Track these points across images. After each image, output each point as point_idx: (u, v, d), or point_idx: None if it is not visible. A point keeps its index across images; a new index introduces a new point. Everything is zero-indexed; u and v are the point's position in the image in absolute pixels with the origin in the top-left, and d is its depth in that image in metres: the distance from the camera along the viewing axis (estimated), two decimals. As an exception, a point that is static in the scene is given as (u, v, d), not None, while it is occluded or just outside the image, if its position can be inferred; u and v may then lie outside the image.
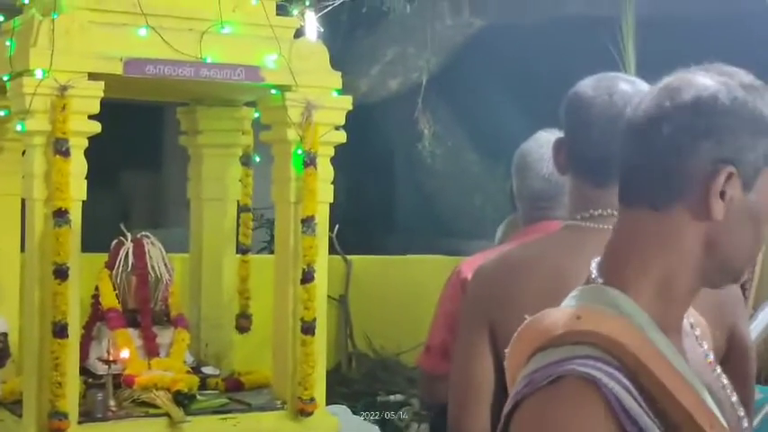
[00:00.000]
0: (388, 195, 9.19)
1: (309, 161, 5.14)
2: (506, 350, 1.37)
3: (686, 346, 1.34)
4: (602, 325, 1.25)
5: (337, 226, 7.58)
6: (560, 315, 1.30)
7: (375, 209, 8.90)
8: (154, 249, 5.44)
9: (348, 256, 7.88)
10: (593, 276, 1.34)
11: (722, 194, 1.26)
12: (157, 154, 9.76)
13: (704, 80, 1.30)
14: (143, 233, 5.53)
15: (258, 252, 7.49)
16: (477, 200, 8.85)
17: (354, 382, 7.27)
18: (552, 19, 7.64)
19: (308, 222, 5.15)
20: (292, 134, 5.19)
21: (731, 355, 1.91)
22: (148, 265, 5.34)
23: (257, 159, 6.09)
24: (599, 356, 1.21)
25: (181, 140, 6.09)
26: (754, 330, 2.62)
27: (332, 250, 7.64)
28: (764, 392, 3.14)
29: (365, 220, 8.57)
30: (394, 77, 8.60)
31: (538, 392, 1.21)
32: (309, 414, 5.16)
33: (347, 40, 8.06)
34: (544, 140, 2.44)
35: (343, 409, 6.39)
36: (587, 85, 2.05)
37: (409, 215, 9.27)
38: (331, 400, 6.49)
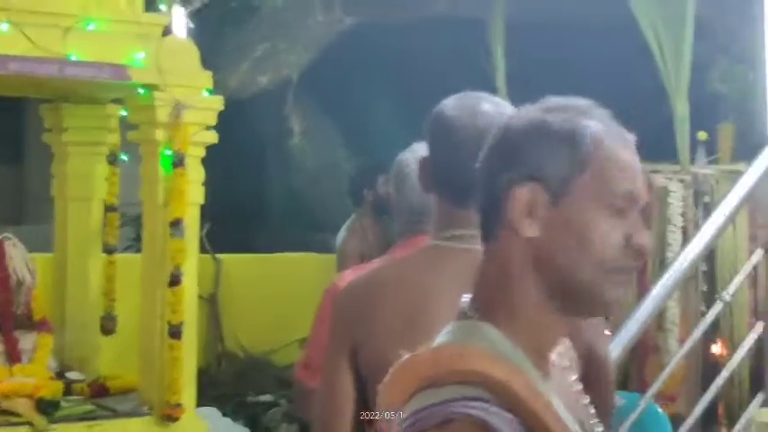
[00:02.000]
0: (260, 192, 9.10)
1: (178, 162, 5.04)
2: (379, 385, 1.33)
3: (556, 380, 1.33)
4: (485, 365, 1.23)
5: (207, 225, 7.48)
6: (442, 352, 1.27)
7: (247, 206, 8.80)
8: (15, 251, 5.27)
9: (218, 255, 7.78)
10: (465, 310, 1.32)
11: (531, 212, 1.27)
12: (18, 148, 9.44)
13: (510, 110, 1.36)
14: (4, 234, 5.35)
15: (124, 250, 7.34)
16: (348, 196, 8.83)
17: (224, 383, 7.18)
18: (424, 18, 7.67)
19: (176, 225, 5.05)
20: (160, 134, 5.08)
21: (589, 373, 1.92)
22: (9, 267, 5.16)
23: (125, 158, 5.95)
24: (488, 398, 1.19)
25: (45, 138, 5.90)
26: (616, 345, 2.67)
27: (202, 249, 7.55)
28: (628, 398, 3.22)
29: (237, 218, 8.47)
30: (264, 73, 8.50)
31: None
32: (176, 419, 5.07)
33: (216, 36, 7.94)
34: (421, 152, 2.42)
35: (212, 412, 6.31)
36: (450, 105, 2.05)
37: (281, 212, 9.20)
38: (200, 402, 6.40)
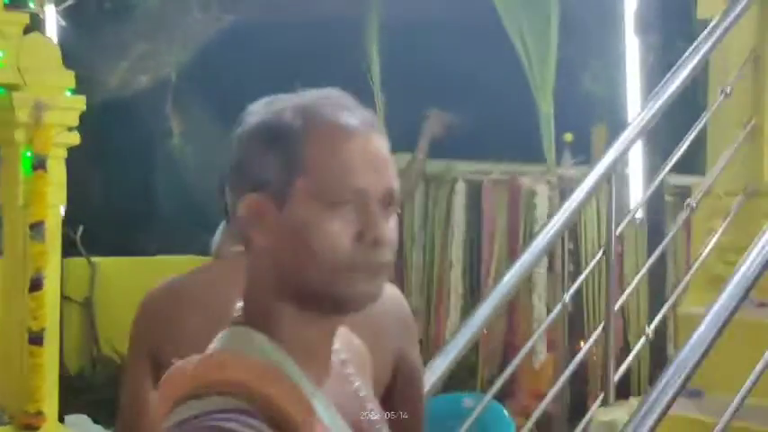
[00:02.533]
0: (142, 193, 8.94)
1: (39, 164, 4.92)
2: (152, 396, 1.29)
3: (335, 387, 1.30)
4: (247, 375, 1.18)
5: (81, 227, 7.33)
6: (206, 362, 1.23)
7: (128, 208, 8.64)
8: None
9: (93, 258, 7.62)
10: (237, 316, 1.28)
11: (260, 222, 1.24)
12: None
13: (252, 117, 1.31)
14: None
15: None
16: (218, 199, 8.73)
17: (99, 387, 7.03)
18: (304, 17, 7.63)
19: (36, 228, 4.93)
20: (20, 135, 4.95)
21: (399, 380, 1.91)
22: None
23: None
24: (248, 410, 1.15)
25: None
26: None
27: (76, 252, 7.40)
28: (477, 400, 3.22)
29: (117, 220, 8.30)
30: (144, 72, 8.36)
31: None
32: (37, 428, 4.94)
33: (95, 35, 7.77)
34: None
35: (82, 419, 6.17)
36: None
37: (165, 213, 9.05)
38: (75, 407, 6.26)
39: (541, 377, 5.26)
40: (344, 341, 1.36)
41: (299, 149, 1.23)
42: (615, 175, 3.37)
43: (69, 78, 5.09)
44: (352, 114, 1.27)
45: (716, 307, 2.57)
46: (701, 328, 2.51)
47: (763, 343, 2.80)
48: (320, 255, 1.21)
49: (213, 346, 1.29)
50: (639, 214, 5.25)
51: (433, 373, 2.66)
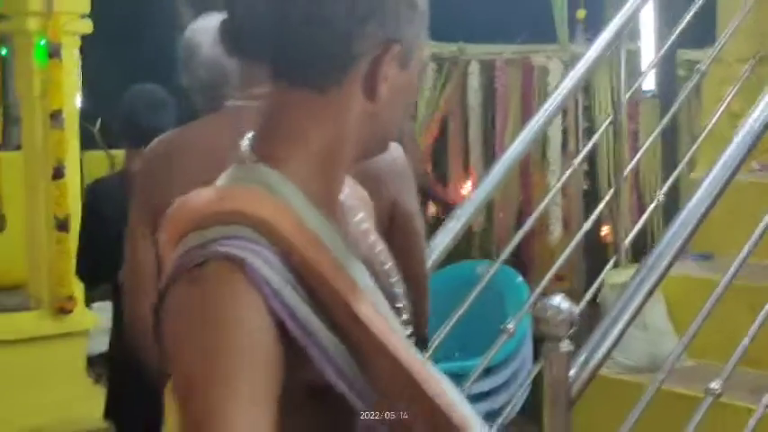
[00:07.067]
0: (162, 83, 8.92)
1: (53, 52, 4.95)
2: (157, 234, 1.32)
3: (341, 218, 1.33)
4: (250, 204, 1.20)
5: (99, 120, 7.37)
6: (208, 195, 1.26)
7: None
8: None
9: (112, 151, 7.68)
10: (244, 154, 1.30)
11: (389, 71, 1.26)
12: None
13: None
14: None
15: (17, 149, 7.21)
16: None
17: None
18: None
19: (55, 117, 4.99)
20: (33, 24, 4.98)
21: (394, 227, 1.96)
22: None
23: (4, 53, 5.83)
24: (246, 236, 1.16)
25: None
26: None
27: (95, 145, 7.46)
28: (489, 267, 3.27)
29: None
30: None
31: (183, 277, 1.15)
32: (69, 312, 5.07)
33: None
34: (202, 27, 2.28)
35: (108, 306, 6.28)
36: None
37: (183, 102, 9.03)
38: (97, 296, 6.39)
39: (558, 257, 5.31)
40: (350, 188, 1.40)
41: (422, 8, 1.30)
42: (623, 40, 3.38)
43: (80, -35, 5.09)
44: None
45: (715, 169, 2.58)
46: (700, 190, 2.52)
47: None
48: (405, 113, 1.30)
49: (219, 182, 1.31)
50: (651, 86, 5.26)
51: (446, 236, 2.72)
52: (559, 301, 1.98)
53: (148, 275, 1.93)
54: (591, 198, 5.19)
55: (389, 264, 1.40)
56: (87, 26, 5.09)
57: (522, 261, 5.37)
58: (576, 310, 1.98)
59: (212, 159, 1.83)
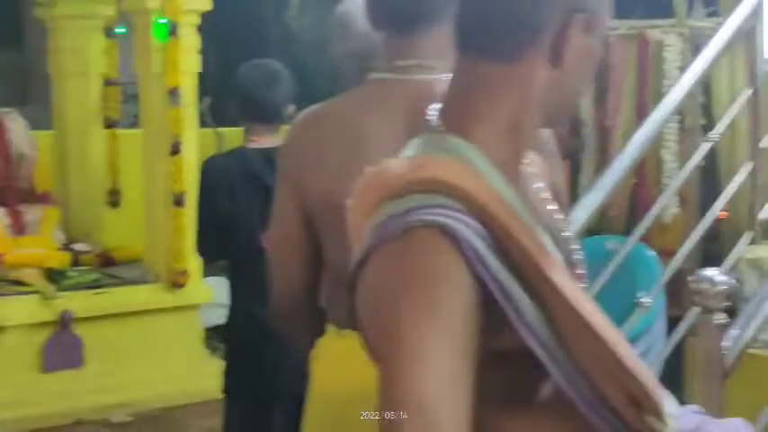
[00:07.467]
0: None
1: (171, 30, 5.03)
2: (348, 201, 1.35)
3: (523, 186, 1.35)
4: (444, 172, 1.23)
5: (208, 98, 7.47)
6: (403, 164, 1.28)
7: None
8: (15, 125, 5.30)
9: (220, 129, 7.78)
10: (433, 124, 1.32)
11: (573, 38, 1.28)
12: (17, 28, 9.37)
13: None
14: (4, 110, 5.38)
15: (131, 126, 7.35)
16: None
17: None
18: None
19: (173, 94, 5.07)
20: (152, 2, 5.06)
21: None
22: (9, 139, 5.20)
23: (122, 31, 5.93)
24: (446, 204, 1.20)
25: (35, 12, 5.87)
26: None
27: (203, 123, 7.56)
28: (618, 242, 3.23)
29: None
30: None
31: (388, 244, 1.19)
32: (183, 285, 5.17)
33: None
34: (355, 3, 2.32)
35: (221, 281, 6.39)
36: None
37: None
38: (210, 272, 6.49)
39: (671, 234, 5.23)
40: (529, 158, 1.41)
41: None
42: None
43: (198, -56, 5.15)
44: None
45: None
46: None
47: None
48: (587, 81, 1.33)
49: (408, 152, 1.33)
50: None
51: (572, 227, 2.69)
52: (715, 273, 1.96)
53: (296, 246, 1.95)
54: (709, 174, 5.10)
55: (569, 231, 1.41)
56: (206, 4, 5.15)
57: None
58: (734, 281, 1.95)
59: (358, 135, 1.85)
